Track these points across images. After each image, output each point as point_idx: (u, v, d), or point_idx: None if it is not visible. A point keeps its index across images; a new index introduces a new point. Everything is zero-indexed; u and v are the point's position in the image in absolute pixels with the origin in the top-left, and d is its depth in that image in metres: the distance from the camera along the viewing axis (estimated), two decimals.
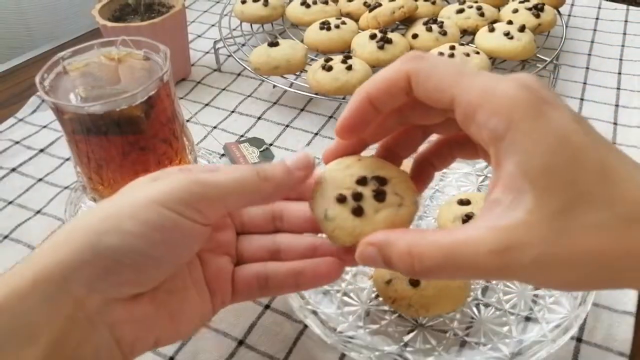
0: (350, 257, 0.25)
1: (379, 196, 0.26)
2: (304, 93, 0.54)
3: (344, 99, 0.53)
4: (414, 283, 0.34)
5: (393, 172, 0.27)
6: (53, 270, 0.21)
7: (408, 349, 0.33)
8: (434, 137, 0.29)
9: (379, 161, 0.28)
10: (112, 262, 0.22)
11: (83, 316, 0.22)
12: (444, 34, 0.57)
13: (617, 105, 0.56)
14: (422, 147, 0.29)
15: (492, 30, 0.57)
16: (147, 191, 0.24)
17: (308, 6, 0.63)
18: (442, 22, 0.58)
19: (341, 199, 0.26)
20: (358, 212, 0.26)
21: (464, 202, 0.40)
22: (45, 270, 0.21)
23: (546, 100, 0.20)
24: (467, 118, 0.21)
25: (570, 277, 0.19)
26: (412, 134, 0.28)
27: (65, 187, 0.48)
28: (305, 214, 0.30)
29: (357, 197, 0.26)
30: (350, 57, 0.53)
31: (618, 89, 0.59)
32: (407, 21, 0.61)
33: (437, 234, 0.22)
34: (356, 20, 0.61)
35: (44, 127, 0.55)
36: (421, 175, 0.29)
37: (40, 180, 0.49)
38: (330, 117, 0.56)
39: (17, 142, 0.53)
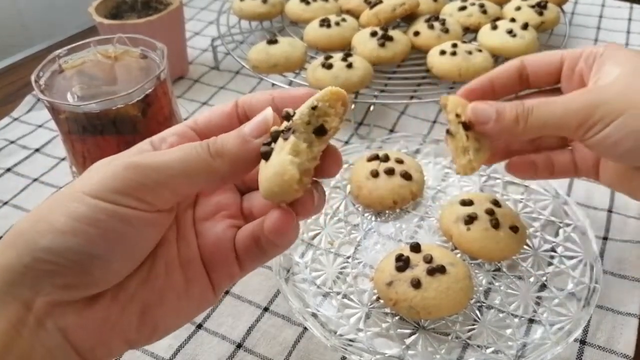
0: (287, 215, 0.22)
1: (286, 133, 0.21)
2: None
3: None
4: (416, 285, 0.33)
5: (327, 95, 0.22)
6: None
7: (409, 352, 0.33)
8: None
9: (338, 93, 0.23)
10: (51, 265, 0.20)
11: (32, 320, 0.20)
12: (446, 31, 0.56)
13: None
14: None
15: (494, 27, 0.56)
16: (81, 183, 0.21)
17: (308, 3, 0.62)
18: (444, 20, 0.57)
19: (265, 144, 0.22)
20: (266, 155, 0.21)
21: (466, 203, 0.39)
22: None
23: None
24: (573, 62, 0.31)
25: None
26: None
27: (61, 187, 0.48)
28: None
29: (274, 137, 0.22)
30: (350, 55, 0.52)
31: None
32: (408, 18, 0.60)
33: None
34: (357, 18, 0.61)
35: (40, 126, 0.55)
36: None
37: (35, 180, 0.49)
38: None
39: (12, 142, 0.53)
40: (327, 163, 0.23)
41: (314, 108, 0.22)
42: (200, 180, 0.22)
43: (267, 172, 0.21)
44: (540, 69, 0.32)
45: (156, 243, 0.23)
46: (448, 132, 0.31)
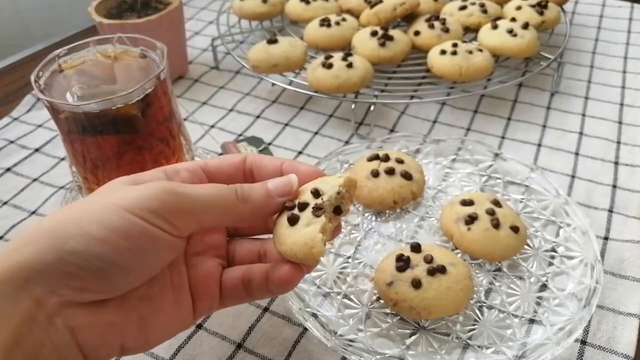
0: (294, 267, 0.26)
1: (317, 211, 0.26)
2: (303, 91, 0.53)
3: (344, 97, 0.53)
4: (416, 285, 0.33)
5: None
6: (14, 271, 0.21)
7: (410, 352, 0.33)
8: None
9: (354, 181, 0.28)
10: (75, 267, 0.21)
11: (43, 317, 0.21)
12: (447, 30, 0.56)
13: (622, 104, 0.56)
14: None
15: (495, 27, 0.56)
16: (116, 196, 0.23)
17: (308, 2, 0.62)
18: (445, 19, 0.57)
19: (288, 207, 0.26)
20: (292, 221, 0.26)
21: (466, 203, 0.39)
22: (6, 271, 0.21)
23: None
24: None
25: None
26: None
27: (61, 187, 0.48)
28: None
29: (301, 207, 0.26)
30: (350, 55, 0.52)
31: (623, 87, 0.58)
32: (408, 18, 0.60)
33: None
34: (357, 17, 0.61)
35: (39, 126, 0.55)
36: None
37: (35, 180, 0.49)
38: (331, 116, 0.55)
39: (12, 142, 0.53)
40: (332, 234, 0.27)
41: (338, 193, 0.26)
42: (223, 217, 0.25)
43: (297, 239, 0.25)
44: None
45: (165, 265, 0.25)
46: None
